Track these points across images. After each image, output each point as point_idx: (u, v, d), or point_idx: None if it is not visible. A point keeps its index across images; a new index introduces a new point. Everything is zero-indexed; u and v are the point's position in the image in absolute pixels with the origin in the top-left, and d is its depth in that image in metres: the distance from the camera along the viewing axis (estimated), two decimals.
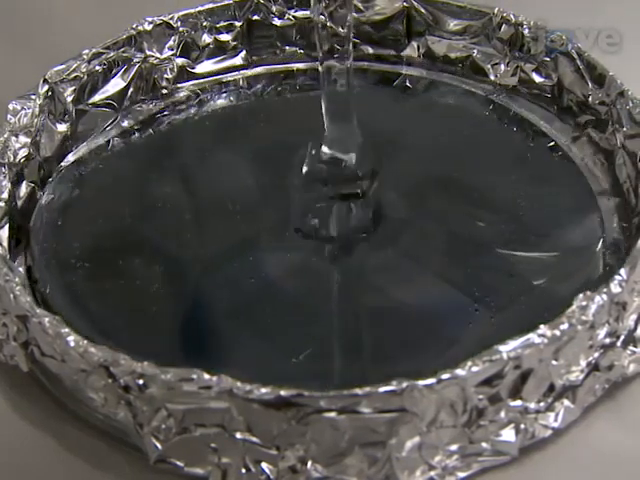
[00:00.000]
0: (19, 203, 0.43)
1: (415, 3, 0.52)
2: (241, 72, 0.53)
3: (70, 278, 0.41)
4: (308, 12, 0.52)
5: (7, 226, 0.41)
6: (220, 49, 0.53)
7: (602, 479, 0.34)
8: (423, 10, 0.52)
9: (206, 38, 0.52)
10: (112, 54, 0.49)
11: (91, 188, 0.46)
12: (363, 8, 0.53)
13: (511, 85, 0.50)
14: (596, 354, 0.35)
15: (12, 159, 0.43)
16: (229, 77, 0.53)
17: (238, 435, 0.32)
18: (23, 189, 0.44)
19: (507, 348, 0.33)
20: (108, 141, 0.49)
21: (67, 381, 0.35)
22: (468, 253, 0.43)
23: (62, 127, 0.47)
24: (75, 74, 0.48)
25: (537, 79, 0.49)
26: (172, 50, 0.51)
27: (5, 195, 0.41)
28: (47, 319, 0.35)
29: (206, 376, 0.32)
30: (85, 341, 0.34)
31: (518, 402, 0.34)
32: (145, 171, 0.48)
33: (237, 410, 0.32)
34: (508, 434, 0.34)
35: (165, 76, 0.51)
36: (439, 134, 0.49)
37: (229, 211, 0.44)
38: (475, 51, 0.51)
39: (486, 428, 0.33)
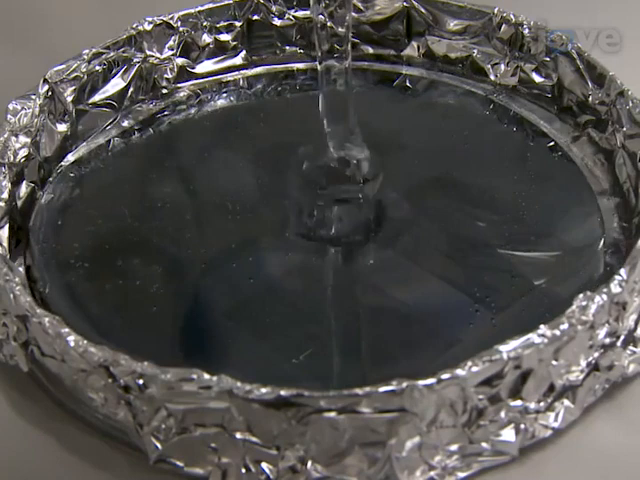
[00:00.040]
0: (19, 203, 0.43)
1: (415, 3, 0.52)
2: (241, 72, 0.53)
3: (70, 278, 0.41)
4: (308, 12, 0.52)
5: (7, 226, 0.41)
6: (220, 49, 0.53)
7: (602, 479, 0.34)
8: (423, 10, 0.52)
9: (206, 38, 0.52)
10: (112, 54, 0.49)
11: (91, 188, 0.46)
12: (363, 8, 0.53)
13: (511, 85, 0.50)
14: (596, 354, 0.35)
15: (12, 159, 0.43)
16: (229, 77, 0.53)
17: (238, 435, 0.32)
18: (23, 189, 0.44)
19: (507, 348, 0.33)
20: (108, 141, 0.49)
21: (67, 381, 0.35)
22: (468, 253, 0.43)
23: (62, 127, 0.47)
24: (75, 74, 0.48)
25: (537, 79, 0.49)
26: (172, 50, 0.51)
27: (5, 195, 0.41)
28: (47, 319, 0.35)
29: (206, 376, 0.32)
30: (85, 341, 0.34)
31: (518, 402, 0.34)
32: (145, 171, 0.48)
33: (237, 410, 0.32)
34: (508, 434, 0.34)
35: (165, 76, 0.51)
36: (439, 134, 0.49)
37: (229, 211, 0.44)
38: (475, 51, 0.51)
39: (486, 428, 0.33)
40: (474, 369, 0.32)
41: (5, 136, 0.43)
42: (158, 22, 0.51)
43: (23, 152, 0.44)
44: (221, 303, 0.41)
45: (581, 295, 0.34)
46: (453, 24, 0.51)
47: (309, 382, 0.32)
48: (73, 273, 0.42)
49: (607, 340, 0.35)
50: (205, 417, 0.32)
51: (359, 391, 0.31)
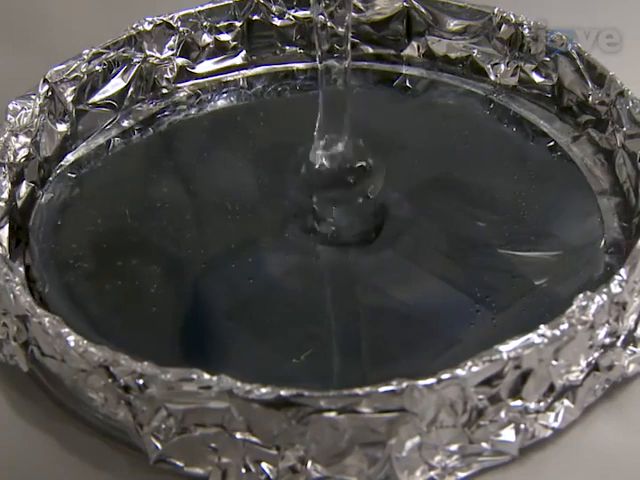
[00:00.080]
0: (19, 203, 0.43)
1: (415, 3, 0.52)
2: (241, 72, 0.53)
3: (69, 278, 0.41)
4: (308, 12, 0.52)
5: (7, 226, 0.41)
6: (220, 49, 0.53)
7: (602, 479, 0.34)
8: (423, 10, 0.52)
9: (206, 38, 0.52)
10: (112, 54, 0.49)
11: (91, 188, 0.46)
12: (363, 8, 0.53)
13: (511, 85, 0.50)
14: (596, 354, 0.35)
15: (12, 159, 0.43)
16: (229, 77, 0.53)
17: (238, 435, 0.32)
18: (23, 189, 0.44)
19: (507, 348, 0.33)
20: (108, 141, 0.49)
21: (67, 381, 0.35)
22: (468, 253, 0.43)
23: (62, 127, 0.47)
24: (75, 74, 0.48)
25: (537, 79, 0.49)
26: (172, 50, 0.51)
27: (5, 195, 0.41)
28: (47, 319, 0.35)
29: (206, 376, 0.32)
30: (85, 341, 0.34)
31: (518, 402, 0.34)
32: (145, 171, 0.48)
33: (237, 410, 0.32)
34: (508, 434, 0.34)
35: (165, 76, 0.51)
36: (439, 134, 0.49)
37: (229, 211, 0.44)
38: (475, 51, 0.51)
39: (486, 428, 0.33)
40: (474, 369, 0.32)
41: (5, 136, 0.43)
42: (158, 22, 0.51)
43: (23, 152, 0.44)
44: (221, 303, 0.41)
45: (581, 295, 0.34)
46: (453, 24, 0.51)
47: (309, 382, 0.32)
48: (72, 273, 0.42)
49: (607, 340, 0.35)
50: (205, 417, 0.32)
51: (359, 391, 0.31)
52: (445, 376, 0.32)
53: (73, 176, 0.47)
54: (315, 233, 0.43)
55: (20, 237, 0.42)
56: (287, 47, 0.53)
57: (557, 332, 0.33)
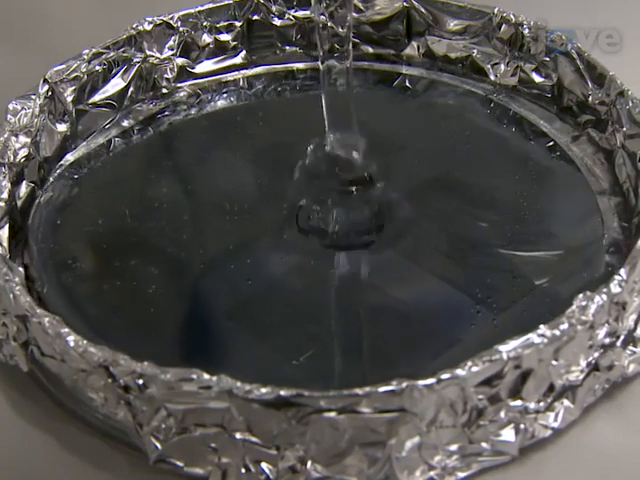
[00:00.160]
0: (19, 203, 0.43)
1: (415, 3, 0.52)
2: (241, 72, 0.53)
3: (68, 278, 0.41)
4: (308, 12, 0.52)
5: (7, 226, 0.41)
6: (220, 49, 0.53)
7: (602, 479, 0.34)
8: (423, 10, 0.52)
9: (206, 38, 0.52)
10: (112, 54, 0.49)
11: (91, 188, 0.46)
12: (363, 8, 0.53)
13: (511, 85, 0.50)
14: (596, 354, 0.35)
15: (12, 159, 0.43)
16: (229, 77, 0.53)
17: (238, 435, 0.32)
18: (23, 189, 0.44)
19: (507, 348, 0.33)
20: (108, 141, 0.49)
21: (67, 381, 0.35)
22: (469, 253, 0.43)
23: (62, 127, 0.47)
24: (75, 74, 0.48)
25: (537, 79, 0.49)
26: (172, 50, 0.51)
27: (5, 195, 0.41)
28: (47, 319, 0.35)
29: (206, 376, 0.32)
30: (85, 341, 0.34)
31: (518, 402, 0.33)
32: (145, 171, 0.48)
33: (237, 410, 0.32)
34: (508, 434, 0.34)
35: (165, 76, 0.51)
36: (439, 134, 0.49)
37: (229, 211, 0.44)
38: (475, 51, 0.51)
39: (486, 428, 0.33)
40: (474, 369, 0.32)
41: (5, 136, 0.43)
42: (158, 22, 0.51)
43: (23, 152, 0.44)
44: (221, 303, 0.41)
45: (581, 295, 0.34)
46: (453, 24, 0.51)
47: (309, 382, 0.32)
48: (71, 273, 0.42)
49: (607, 340, 0.35)
50: (205, 417, 0.32)
51: (359, 391, 0.31)
52: (445, 376, 0.32)
53: (73, 176, 0.47)
54: (315, 233, 0.43)
55: (20, 237, 0.42)
56: (287, 47, 0.53)
57: (557, 332, 0.33)
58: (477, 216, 0.44)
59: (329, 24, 0.40)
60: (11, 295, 0.36)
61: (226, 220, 0.44)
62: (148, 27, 0.50)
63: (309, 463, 0.32)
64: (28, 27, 0.57)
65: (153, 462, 0.33)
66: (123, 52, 0.50)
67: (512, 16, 0.50)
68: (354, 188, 0.43)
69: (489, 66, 0.51)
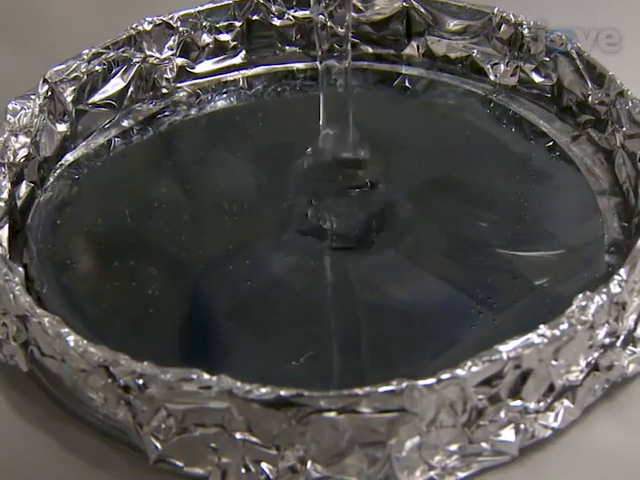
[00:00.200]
0: (19, 203, 0.43)
1: (415, 3, 0.52)
2: (241, 72, 0.53)
3: (67, 278, 0.41)
4: (308, 12, 0.52)
5: (7, 226, 0.41)
6: (220, 49, 0.53)
7: (602, 479, 0.34)
8: (423, 10, 0.52)
9: (206, 38, 0.52)
10: (112, 54, 0.49)
11: (91, 188, 0.46)
12: (363, 8, 0.53)
13: (511, 85, 0.50)
14: (596, 354, 0.35)
15: (12, 159, 0.43)
16: (229, 77, 0.53)
17: (238, 435, 0.32)
18: (23, 189, 0.44)
19: (507, 348, 0.33)
20: (108, 141, 0.49)
21: (67, 381, 0.35)
22: (469, 253, 0.43)
23: (62, 127, 0.47)
24: (75, 74, 0.48)
25: (537, 79, 0.49)
26: (172, 50, 0.51)
27: (5, 195, 0.41)
28: (47, 319, 0.35)
29: (206, 376, 0.32)
30: (85, 341, 0.34)
31: (518, 402, 0.33)
32: (145, 171, 0.48)
33: (237, 410, 0.32)
34: (508, 434, 0.34)
35: (165, 76, 0.51)
36: (439, 134, 0.49)
37: (229, 212, 0.44)
38: (475, 51, 0.51)
39: (486, 428, 0.33)
40: (474, 369, 0.32)
41: (5, 136, 0.43)
42: (158, 22, 0.51)
43: (23, 152, 0.44)
44: (221, 303, 0.41)
45: (581, 295, 0.34)
46: (453, 24, 0.51)
47: (309, 382, 0.32)
48: (70, 273, 0.42)
49: (607, 340, 0.35)
50: (205, 417, 0.32)
51: (359, 391, 0.31)
52: (445, 376, 0.32)
53: (73, 176, 0.47)
54: (315, 234, 0.43)
55: (20, 237, 0.42)
56: (287, 47, 0.54)
57: (557, 332, 0.33)
58: (477, 216, 0.44)
59: (328, 24, 0.40)
60: (11, 295, 0.36)
61: (226, 220, 0.44)
62: (148, 27, 0.50)
63: (309, 463, 0.32)
64: (28, 27, 0.57)
65: (153, 462, 0.33)
66: (123, 52, 0.50)
67: (512, 16, 0.50)
68: (354, 188, 0.43)
69: (489, 66, 0.51)
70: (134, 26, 0.50)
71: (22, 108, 0.45)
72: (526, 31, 0.49)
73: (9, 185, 0.42)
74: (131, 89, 0.50)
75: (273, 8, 0.53)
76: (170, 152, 0.49)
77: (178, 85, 0.52)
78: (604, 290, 0.35)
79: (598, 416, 0.35)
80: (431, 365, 0.36)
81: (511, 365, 0.33)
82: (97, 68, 0.49)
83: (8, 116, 0.44)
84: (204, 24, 0.52)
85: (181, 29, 0.51)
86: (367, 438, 0.32)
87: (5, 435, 0.36)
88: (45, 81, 0.46)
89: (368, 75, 0.53)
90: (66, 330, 0.34)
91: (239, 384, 0.32)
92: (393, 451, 0.32)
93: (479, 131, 0.49)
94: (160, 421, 0.33)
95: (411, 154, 0.47)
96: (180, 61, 0.52)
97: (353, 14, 0.51)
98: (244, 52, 0.53)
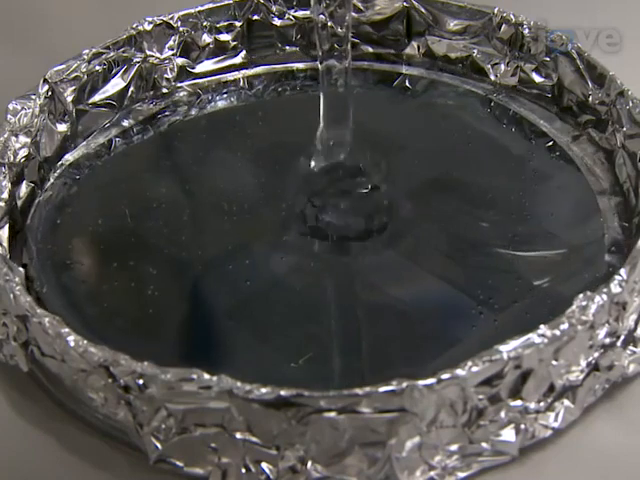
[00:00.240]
0: (19, 203, 0.43)
1: (415, 3, 0.52)
2: (241, 72, 0.53)
3: (67, 278, 0.41)
4: (308, 12, 0.52)
5: (7, 226, 0.41)
6: (220, 49, 0.53)
7: (602, 479, 0.34)
8: (423, 10, 0.52)
9: (206, 38, 0.52)
10: (112, 54, 0.49)
11: (91, 188, 0.46)
12: (363, 8, 0.53)
13: (511, 85, 0.50)
14: (596, 354, 0.35)
15: (12, 159, 0.43)
16: (229, 77, 0.53)
17: (238, 435, 0.32)
18: (23, 189, 0.44)
19: (507, 348, 0.33)
20: (108, 141, 0.49)
21: (67, 381, 0.35)
22: (469, 254, 0.43)
23: (62, 127, 0.47)
24: (75, 74, 0.48)
25: (537, 79, 0.49)
26: (172, 50, 0.51)
27: (5, 195, 0.41)
28: (47, 319, 0.35)
29: (206, 376, 0.32)
30: (85, 341, 0.34)
31: (518, 402, 0.33)
32: (145, 171, 0.48)
33: (237, 410, 0.32)
34: (508, 434, 0.34)
35: (165, 76, 0.51)
36: (439, 134, 0.49)
37: (229, 212, 0.44)
38: (475, 51, 0.51)
39: (486, 428, 0.33)
40: (474, 369, 0.32)
41: (5, 136, 0.43)
42: (158, 22, 0.51)
43: (23, 152, 0.44)
44: (221, 303, 0.41)
45: (581, 295, 0.34)
46: (453, 24, 0.51)
47: (309, 382, 0.32)
48: (70, 273, 0.42)
49: (607, 340, 0.35)
50: (205, 417, 0.32)
51: (359, 391, 0.31)
52: (445, 376, 0.32)
53: (73, 176, 0.47)
54: (314, 234, 0.43)
55: (20, 237, 0.42)
56: (287, 47, 0.53)
57: (557, 332, 0.33)
58: (477, 216, 0.44)
59: (329, 24, 0.40)
60: (11, 295, 0.36)
61: (226, 220, 0.44)
62: (148, 27, 0.50)
63: (309, 463, 0.32)
64: (28, 27, 0.58)
65: (153, 462, 0.33)
66: (123, 52, 0.50)
67: (512, 16, 0.50)
68: (354, 189, 0.43)
69: (489, 66, 0.51)
70: (134, 26, 0.50)
71: (22, 108, 0.45)
72: (526, 31, 0.49)
73: (9, 185, 0.42)
74: (131, 89, 0.50)
75: (273, 8, 0.53)
76: (170, 152, 0.49)
77: (178, 85, 0.52)
78: (604, 290, 0.35)
79: (598, 416, 0.35)
80: (431, 365, 0.36)
81: (511, 365, 0.33)
82: (97, 68, 0.49)
83: (8, 116, 0.44)
84: (204, 24, 0.52)
85: (181, 29, 0.51)
86: (367, 438, 0.32)
87: (5, 435, 0.36)
88: (45, 81, 0.46)
89: (368, 75, 0.53)
90: (66, 330, 0.34)
91: (239, 384, 0.32)
92: (393, 451, 0.32)
93: (479, 131, 0.49)
94: (160, 421, 0.33)
95: (411, 154, 0.47)
96: (180, 61, 0.52)
97: (354, 14, 0.52)
98: (244, 52, 0.53)
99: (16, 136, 0.44)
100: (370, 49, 0.53)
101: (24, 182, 0.44)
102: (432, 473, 0.33)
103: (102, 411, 0.34)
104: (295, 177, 0.44)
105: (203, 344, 0.39)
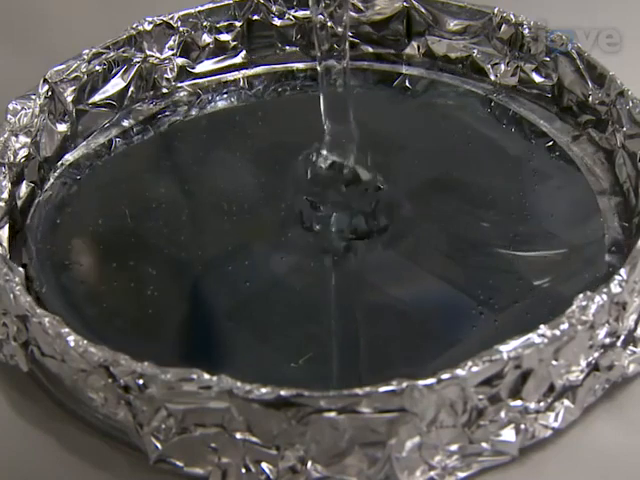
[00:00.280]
0: (19, 203, 0.43)
1: (415, 3, 0.52)
2: (241, 72, 0.53)
3: (66, 278, 0.41)
4: (308, 12, 0.52)
5: (7, 226, 0.41)
6: (220, 49, 0.53)
7: (602, 479, 0.34)
8: (423, 10, 0.52)
9: (206, 38, 0.52)
10: (112, 54, 0.49)
11: (91, 188, 0.46)
12: (363, 8, 0.53)
13: (511, 85, 0.50)
14: (596, 354, 0.35)
15: (12, 159, 0.43)
16: (229, 77, 0.53)
17: (238, 435, 0.32)
18: (23, 189, 0.44)
19: (507, 348, 0.33)
20: (108, 141, 0.49)
21: (67, 381, 0.35)
22: (469, 254, 0.43)
23: (62, 127, 0.47)
24: (75, 74, 0.48)
25: (537, 79, 0.49)
26: (172, 50, 0.51)
27: (5, 195, 0.41)
28: (47, 319, 0.35)
29: (206, 376, 0.32)
30: (85, 341, 0.34)
31: (518, 402, 0.33)
32: (145, 171, 0.48)
33: (237, 410, 0.32)
34: (508, 434, 0.34)
35: (165, 76, 0.51)
36: (439, 134, 0.49)
37: (229, 212, 0.44)
38: (475, 51, 0.51)
39: (486, 428, 0.33)
40: (474, 369, 0.32)
41: (5, 136, 0.43)
42: (158, 22, 0.51)
43: (23, 152, 0.44)
44: (221, 304, 0.41)
45: (581, 295, 0.34)
46: (453, 24, 0.51)
47: (309, 382, 0.32)
48: (70, 273, 0.42)
49: (607, 340, 0.35)
50: (205, 417, 0.32)
51: (359, 391, 0.31)
52: (445, 376, 0.32)
53: (73, 176, 0.47)
54: (315, 234, 0.43)
55: (20, 237, 0.42)
56: (287, 47, 0.54)
57: (557, 332, 0.33)
58: (477, 216, 0.44)
59: (328, 24, 0.40)
60: (11, 295, 0.36)
61: (225, 220, 0.44)
62: (148, 27, 0.50)
63: (309, 463, 0.32)
64: (28, 27, 0.58)
65: (153, 462, 0.33)
66: (123, 52, 0.50)
67: (512, 16, 0.50)
68: (354, 189, 0.43)
69: (489, 66, 0.51)
70: (134, 26, 0.50)
71: (22, 108, 0.45)
72: (526, 31, 0.49)
73: (9, 185, 0.42)
74: (131, 89, 0.50)
75: (273, 8, 0.53)
76: (170, 152, 0.49)
77: (178, 85, 0.52)
78: (604, 290, 0.35)
79: (598, 416, 0.35)
80: (431, 365, 0.36)
81: (511, 365, 0.33)
82: (97, 68, 0.49)
83: (8, 116, 0.44)
84: (204, 24, 0.52)
85: (181, 29, 0.51)
86: (367, 438, 0.32)
87: (5, 435, 0.36)
88: (45, 81, 0.46)
89: (368, 75, 0.53)
90: (66, 330, 0.34)
91: (239, 384, 0.32)
92: (393, 451, 0.32)
93: (479, 131, 0.49)
94: (160, 421, 0.33)
95: (411, 154, 0.47)
96: (180, 61, 0.52)
97: (354, 14, 0.52)
98: (244, 52, 0.53)
99: (16, 136, 0.44)
100: (370, 49, 0.53)
101: (24, 182, 0.44)
102: (432, 473, 0.33)
103: (102, 411, 0.34)
104: (295, 177, 0.44)
105: (203, 344, 0.39)
